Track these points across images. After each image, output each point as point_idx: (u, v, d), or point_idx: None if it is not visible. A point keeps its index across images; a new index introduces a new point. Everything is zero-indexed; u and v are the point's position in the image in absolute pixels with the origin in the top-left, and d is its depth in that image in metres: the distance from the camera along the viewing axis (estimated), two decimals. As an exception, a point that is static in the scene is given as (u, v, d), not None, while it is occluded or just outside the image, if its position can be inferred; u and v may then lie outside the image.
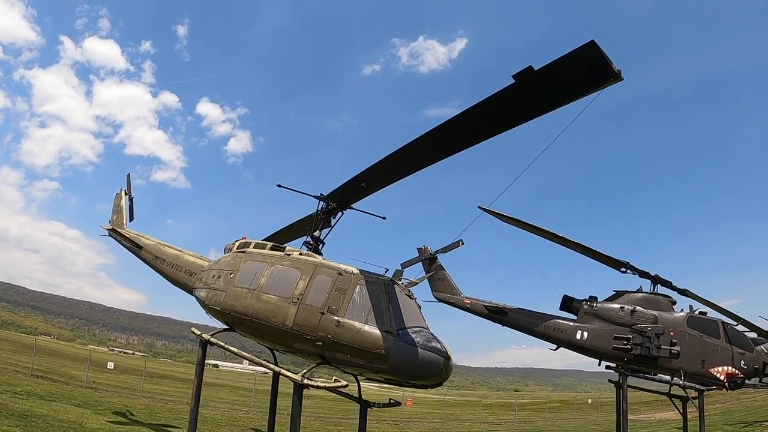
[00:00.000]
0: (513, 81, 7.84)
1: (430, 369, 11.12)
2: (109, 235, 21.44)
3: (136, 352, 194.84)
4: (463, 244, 24.68)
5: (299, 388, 11.91)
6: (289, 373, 12.41)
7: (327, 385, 12.40)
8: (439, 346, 11.26)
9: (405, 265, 25.89)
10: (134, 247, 19.76)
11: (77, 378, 37.03)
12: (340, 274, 12.30)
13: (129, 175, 23.40)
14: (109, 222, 21.90)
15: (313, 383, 12.13)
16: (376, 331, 11.29)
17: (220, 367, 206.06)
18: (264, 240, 16.54)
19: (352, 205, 14.36)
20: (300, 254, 13.58)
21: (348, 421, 35.26)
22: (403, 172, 11.64)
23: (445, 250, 25.45)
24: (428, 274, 25.82)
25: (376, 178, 12.23)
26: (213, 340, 14.12)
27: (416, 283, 13.72)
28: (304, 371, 12.26)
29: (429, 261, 26.48)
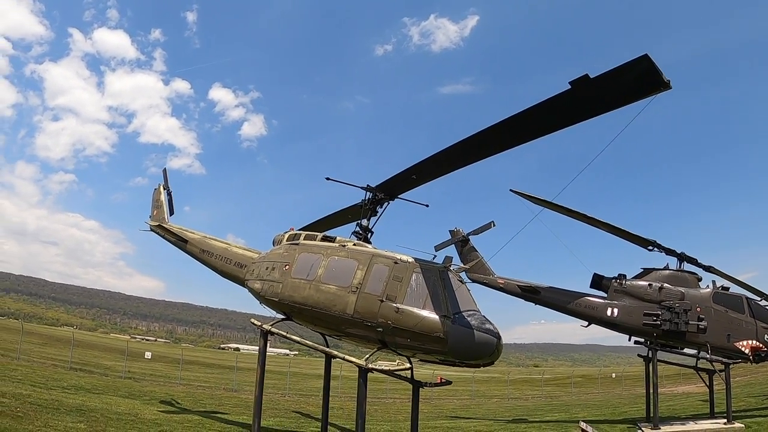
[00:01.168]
0: (569, 87, 8.53)
1: (485, 349, 11.98)
2: (152, 230, 22.10)
3: (158, 339, 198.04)
4: (494, 225, 25.40)
5: (364, 372, 12.62)
6: (354, 359, 13.16)
7: (391, 368, 13.24)
8: (491, 327, 12.13)
9: (438, 247, 26.64)
10: (179, 242, 20.37)
11: (113, 368, 38.33)
12: (395, 263, 13.04)
13: (165, 169, 23.85)
14: (150, 217, 22.47)
15: (377, 367, 12.92)
16: (435, 316, 12.08)
17: (241, 350, 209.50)
18: (305, 228, 17.35)
19: (399, 195, 15.00)
20: (354, 245, 14.30)
21: (380, 400, 36.41)
22: (454, 167, 12.40)
23: (476, 231, 26.16)
24: (463, 257, 26.45)
25: (427, 171, 12.92)
26: (273, 329, 14.83)
27: (466, 269, 14.41)
28: (367, 356, 12.96)
29: (462, 243, 27.12)
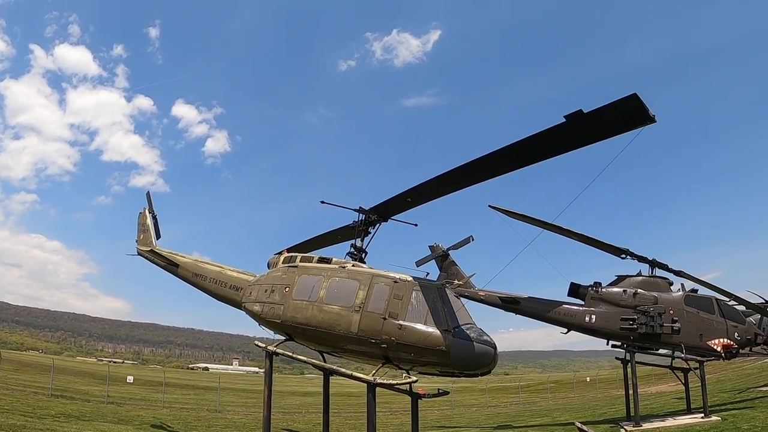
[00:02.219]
0: (563, 120, 9.38)
1: (484, 359, 12.89)
2: (139, 254, 22.27)
3: (125, 361, 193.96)
4: (473, 240, 26.21)
5: (372, 387, 13.29)
6: (362, 375, 13.78)
7: (399, 381, 13.89)
8: (488, 339, 13.05)
9: (419, 263, 27.42)
10: (170, 266, 20.63)
11: (91, 393, 37.81)
12: (395, 282, 13.77)
13: (149, 193, 24.06)
14: (136, 241, 22.65)
15: (385, 382, 13.59)
16: (436, 331, 12.85)
17: (210, 370, 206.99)
18: (295, 248, 17.93)
19: (393, 217, 15.66)
20: (353, 266, 14.94)
21: (364, 414, 36.78)
22: (449, 190, 13.18)
23: (456, 246, 26.93)
24: (444, 271, 27.19)
25: (422, 194, 13.67)
26: (279, 350, 15.30)
27: (460, 285, 15.14)
28: (374, 372, 13.63)
29: (442, 258, 27.88)
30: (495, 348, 12.98)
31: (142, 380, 55.88)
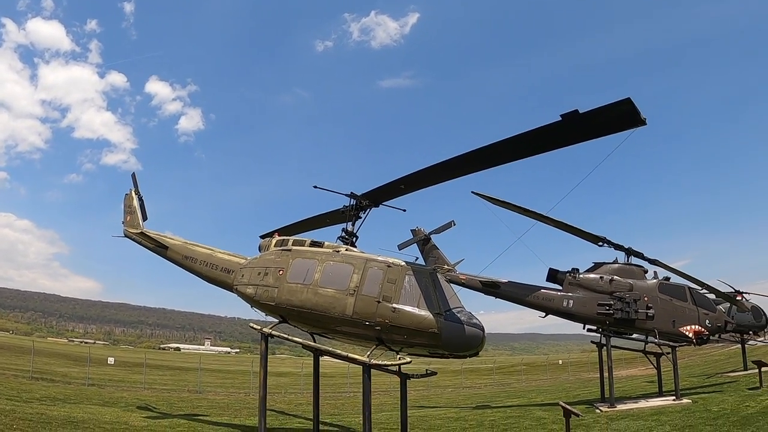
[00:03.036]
0: (560, 119, 9.88)
1: (474, 342, 13.52)
2: (126, 236, 22.23)
3: (96, 341, 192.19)
4: (454, 224, 26.72)
5: (367, 368, 13.76)
6: (357, 356, 14.21)
7: (393, 362, 14.39)
8: (478, 322, 13.66)
9: (401, 246, 27.79)
10: (158, 248, 20.61)
11: (70, 375, 37.93)
12: (389, 266, 14.23)
13: (134, 174, 23.66)
14: (123, 223, 22.57)
15: (380, 363, 14.12)
16: (429, 314, 13.40)
17: (182, 350, 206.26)
18: (284, 229, 18.26)
19: (384, 203, 16.07)
20: (346, 250, 15.34)
21: (343, 395, 37.55)
22: (442, 179, 13.62)
23: (438, 231, 27.39)
24: (425, 255, 27.73)
25: (415, 182, 14.09)
26: (274, 332, 15.62)
27: (450, 270, 15.65)
28: (368, 353, 14.08)
29: (423, 242, 28.38)
30: (483, 331, 13.61)
31: (118, 361, 55.81)
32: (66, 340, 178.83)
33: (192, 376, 50.51)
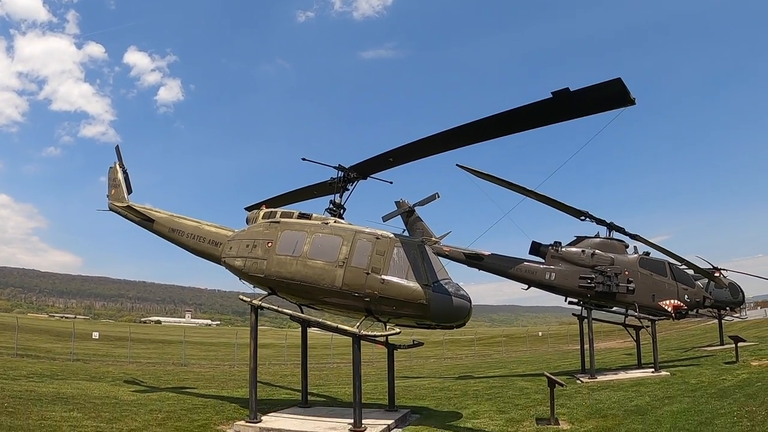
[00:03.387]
0: (551, 96, 10.02)
1: (462, 312, 13.91)
2: (111, 210, 22.04)
3: (77, 316, 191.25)
4: (439, 197, 26.86)
5: (357, 339, 13.99)
6: (347, 327, 14.40)
7: (383, 333, 14.73)
8: (465, 293, 14.02)
9: (386, 218, 27.95)
10: (144, 221, 20.41)
11: (54, 351, 37.94)
12: (377, 238, 14.41)
13: (118, 147, 23.39)
14: (107, 196, 22.35)
15: (370, 334, 14.45)
16: (417, 285, 13.67)
17: (162, 323, 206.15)
18: (270, 201, 18.32)
19: (372, 175, 16.12)
20: (335, 222, 15.44)
21: (326, 366, 38.00)
22: (432, 152, 13.68)
23: (422, 203, 27.45)
24: (409, 227, 27.85)
25: (404, 155, 14.17)
26: (264, 304, 15.66)
27: (437, 242, 15.88)
28: (357, 324, 14.28)
29: (407, 213, 28.49)
30: (470, 302, 14.00)
31: (100, 336, 55.73)
32: (46, 316, 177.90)
33: (175, 348, 50.75)
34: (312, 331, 17.50)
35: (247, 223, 17.62)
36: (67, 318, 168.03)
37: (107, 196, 22.32)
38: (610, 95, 9.71)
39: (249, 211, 19.37)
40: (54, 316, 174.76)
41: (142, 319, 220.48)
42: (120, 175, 22.29)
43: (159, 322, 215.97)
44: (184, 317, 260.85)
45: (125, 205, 21.20)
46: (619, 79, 9.32)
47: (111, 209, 21.99)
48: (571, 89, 9.69)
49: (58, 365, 29.43)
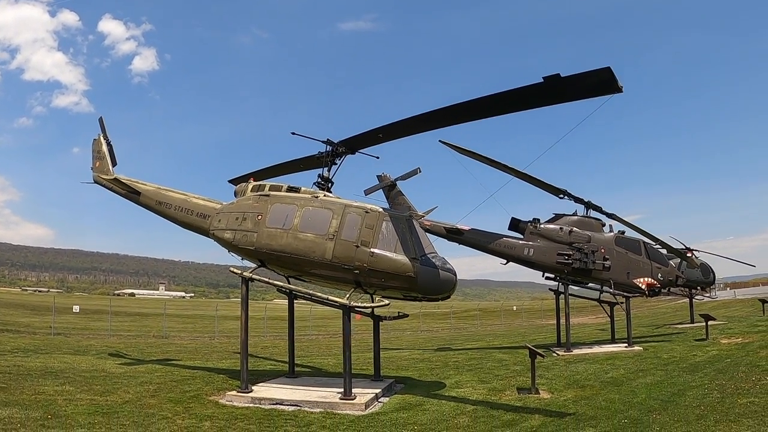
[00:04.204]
0: (542, 81, 10.39)
1: (448, 285, 14.51)
2: (96, 182, 21.89)
3: (50, 290, 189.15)
4: (420, 171, 27.11)
5: (347, 310, 14.40)
6: (338, 299, 14.77)
7: (372, 305, 15.22)
8: (451, 267, 14.58)
9: (368, 191, 28.14)
10: (130, 194, 20.28)
11: (33, 325, 37.86)
12: (366, 212, 14.78)
13: (101, 119, 23.02)
14: (92, 169, 22.18)
15: (359, 305, 14.88)
16: (405, 258, 14.16)
17: (137, 296, 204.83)
18: (257, 173, 18.56)
19: (360, 150, 16.41)
20: (324, 196, 15.71)
21: (305, 337, 38.51)
22: (421, 130, 14.02)
23: (403, 177, 27.66)
24: (391, 201, 28.13)
25: (394, 132, 14.45)
26: (255, 276, 15.86)
27: (423, 216, 16.28)
28: (347, 296, 14.74)
29: (389, 188, 28.72)
30: (456, 275, 14.56)
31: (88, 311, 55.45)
32: (20, 290, 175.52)
33: (153, 321, 50.78)
34: (285, 302, 17.66)
35: (236, 196, 17.74)
36: (40, 291, 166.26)
37: (92, 168, 22.12)
38: (599, 82, 10.13)
39: (233, 184, 19.54)
40: (27, 290, 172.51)
41: (116, 292, 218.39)
42: (104, 148, 22.08)
43: (133, 294, 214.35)
44: (158, 290, 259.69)
45: (112, 177, 21.01)
46: (608, 68, 9.74)
47: (96, 182, 21.83)
48: (562, 75, 10.07)
49: (40, 339, 29.48)
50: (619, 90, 10.05)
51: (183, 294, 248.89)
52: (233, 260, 16.81)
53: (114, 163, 21.96)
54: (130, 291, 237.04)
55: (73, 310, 43.05)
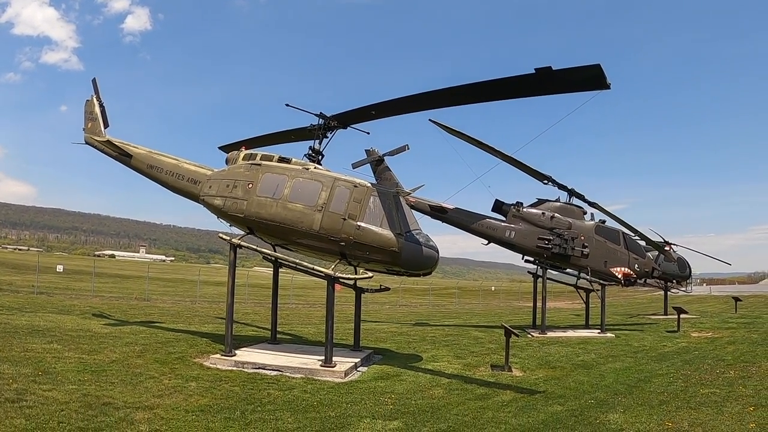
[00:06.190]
0: (534, 72, 10.79)
1: (430, 262, 14.94)
2: (87, 143, 21.88)
3: (30, 248, 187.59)
4: (408, 148, 27.34)
5: (332, 280, 14.88)
6: (323, 269, 15.22)
7: (356, 276, 15.68)
8: (434, 244, 15.03)
9: (355, 165, 28.42)
10: (122, 156, 20.29)
11: (15, 284, 37.90)
12: (355, 186, 15.14)
13: (95, 80, 22.88)
14: (84, 130, 22.10)
15: (343, 276, 15.31)
16: (390, 233, 14.56)
17: (117, 257, 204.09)
18: (247, 142, 18.77)
19: (352, 125, 16.75)
20: (315, 168, 16.02)
21: (285, 306, 39.01)
22: (414, 110, 14.51)
23: (392, 153, 27.88)
24: (378, 176, 28.47)
25: (386, 109, 14.83)
26: (243, 243, 16.19)
27: (410, 193, 16.67)
28: (332, 267, 15.19)
29: (376, 162, 29.01)
30: (438, 252, 15.02)
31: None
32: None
33: (133, 284, 51.09)
34: (265, 271, 18.03)
35: (227, 164, 17.95)
36: (20, 250, 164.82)
37: (83, 129, 22.09)
38: (589, 78, 10.59)
39: (224, 151, 19.75)
40: (7, 248, 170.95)
41: (96, 253, 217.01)
42: (97, 109, 22.04)
43: (113, 256, 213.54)
44: (138, 252, 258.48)
45: (104, 139, 21.04)
46: (599, 64, 10.22)
47: (87, 143, 21.84)
48: (554, 68, 10.48)
49: (23, 298, 29.67)
50: (606, 87, 10.50)
51: (163, 257, 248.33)
52: (215, 225, 17.10)
53: (106, 125, 21.90)
54: (110, 252, 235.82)
55: (57, 270, 42.93)
